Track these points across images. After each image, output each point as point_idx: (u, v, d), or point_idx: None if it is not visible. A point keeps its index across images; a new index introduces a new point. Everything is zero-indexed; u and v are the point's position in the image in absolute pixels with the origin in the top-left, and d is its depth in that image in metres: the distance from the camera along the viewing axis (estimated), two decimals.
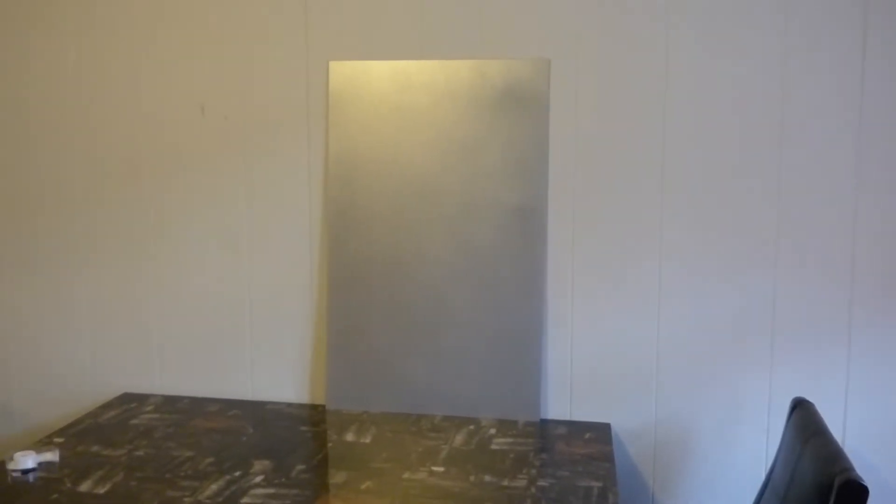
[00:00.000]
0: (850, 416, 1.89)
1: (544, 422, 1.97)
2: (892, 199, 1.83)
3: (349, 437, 1.87)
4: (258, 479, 1.62)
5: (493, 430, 1.89)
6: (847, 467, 1.27)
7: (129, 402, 2.12)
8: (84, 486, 1.59)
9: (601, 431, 1.91)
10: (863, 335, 1.87)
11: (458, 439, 1.84)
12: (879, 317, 1.86)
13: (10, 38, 2.19)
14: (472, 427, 1.92)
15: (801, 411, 1.57)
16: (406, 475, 1.65)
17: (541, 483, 1.61)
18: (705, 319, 1.93)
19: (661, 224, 1.93)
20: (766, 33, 1.84)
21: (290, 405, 2.10)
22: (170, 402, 2.12)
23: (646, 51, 1.90)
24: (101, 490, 1.57)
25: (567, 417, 2.01)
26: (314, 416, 2.03)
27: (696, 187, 1.91)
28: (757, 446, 1.94)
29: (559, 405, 2.01)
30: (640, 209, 1.94)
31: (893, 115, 1.81)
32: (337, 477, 1.64)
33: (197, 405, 2.10)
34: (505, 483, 1.60)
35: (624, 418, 1.98)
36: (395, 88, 2.00)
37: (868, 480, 1.25)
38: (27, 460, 1.67)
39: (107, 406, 2.09)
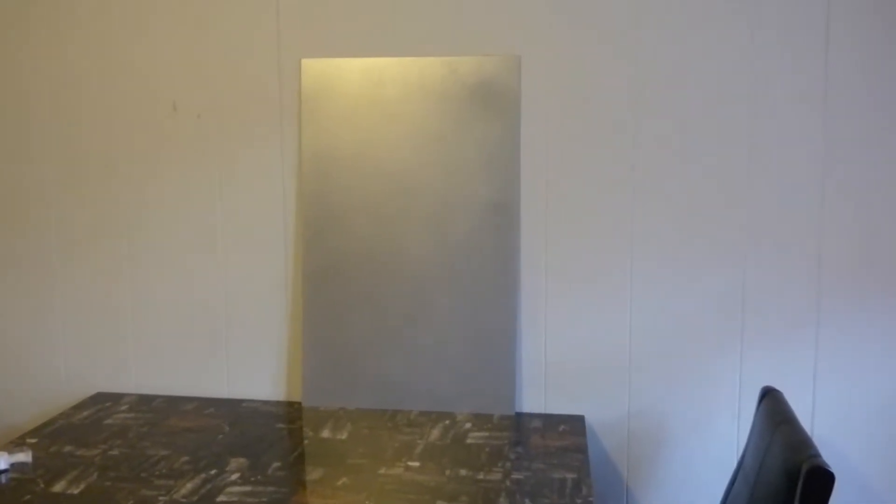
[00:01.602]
0: (819, 404, 1.92)
1: (519, 415, 1.99)
2: (857, 191, 1.87)
3: (325, 433, 1.87)
4: (234, 476, 1.62)
5: (468, 425, 1.91)
6: (813, 454, 1.29)
7: (103, 401, 2.11)
8: (58, 487, 1.58)
9: (575, 424, 1.93)
10: (830, 324, 1.91)
11: (434, 434, 1.85)
12: (846, 306, 1.89)
13: None
14: (447, 422, 1.93)
15: (770, 400, 1.60)
16: (382, 470, 1.65)
17: (515, 476, 1.62)
18: (676, 312, 1.96)
19: (632, 218, 1.95)
20: (736, 28, 1.87)
21: (266, 403, 2.10)
22: (144, 402, 2.11)
23: (616, 46, 1.91)
24: (75, 490, 1.56)
25: (542, 410, 2.03)
26: (290, 413, 2.03)
27: (666, 181, 1.93)
28: (728, 435, 1.97)
29: (534, 398, 2.03)
30: (611, 204, 1.96)
31: (857, 111, 1.85)
32: (313, 473, 1.65)
33: (172, 404, 2.09)
34: (480, 476, 1.62)
35: (598, 410, 2.01)
36: (367, 85, 2.00)
37: (836, 467, 1.28)
38: None
39: (80, 406, 2.07)
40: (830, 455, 1.87)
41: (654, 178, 1.94)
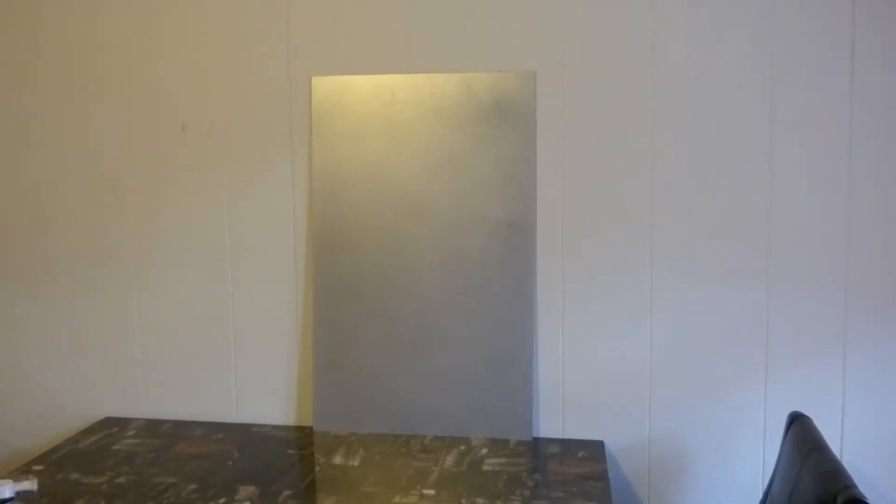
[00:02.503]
0: (847, 430, 1.86)
1: (536, 440, 1.93)
2: (885, 211, 1.81)
3: (337, 459, 1.82)
4: None
5: (484, 450, 1.85)
6: (849, 484, 1.24)
7: (111, 426, 2.07)
8: None
9: (595, 449, 1.87)
10: (858, 347, 1.84)
11: (449, 460, 1.80)
12: (875, 328, 1.83)
13: None
14: (462, 447, 1.88)
15: (799, 426, 1.54)
16: (396, 499, 1.60)
17: None
18: (698, 333, 1.90)
19: (651, 237, 1.90)
20: (755, 44, 1.83)
21: (276, 427, 2.06)
22: (152, 427, 2.06)
23: (633, 61, 1.88)
24: None
25: (560, 436, 1.97)
26: (301, 438, 1.98)
27: (686, 199, 1.89)
28: (754, 462, 1.90)
29: (551, 423, 1.97)
30: (630, 222, 1.91)
31: (884, 126, 1.80)
32: (325, 502, 1.60)
33: (180, 429, 2.04)
34: None
35: (617, 435, 1.95)
36: (379, 103, 1.97)
37: (867, 495, 1.22)
38: (4, 490, 1.61)
39: (87, 431, 2.03)
40: (860, 483, 1.81)
41: (674, 195, 1.89)
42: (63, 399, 2.20)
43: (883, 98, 1.79)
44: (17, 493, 1.63)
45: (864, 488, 1.76)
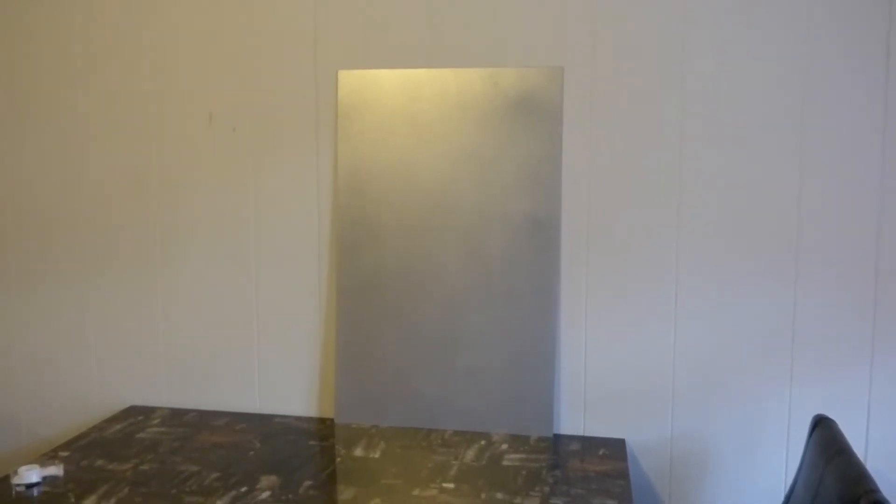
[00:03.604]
0: (873, 435, 1.84)
1: (557, 437, 1.93)
2: None
3: (358, 451, 1.83)
4: (265, 494, 1.59)
5: (504, 446, 1.86)
6: (873, 488, 1.22)
7: (136, 415, 2.10)
8: (88, 502, 1.56)
9: (616, 447, 1.87)
10: (886, 352, 1.82)
11: (470, 455, 1.80)
12: None
13: (14, 45, 2.18)
14: (483, 442, 1.88)
15: (823, 429, 1.52)
16: (416, 492, 1.61)
17: (554, 501, 1.56)
18: (723, 335, 1.89)
19: (677, 237, 1.89)
20: (787, 42, 1.81)
21: (298, 419, 2.07)
22: (176, 416, 2.09)
23: (662, 58, 1.86)
24: None
25: (581, 433, 1.97)
26: (323, 430, 1.99)
27: (714, 199, 1.87)
28: (776, 464, 1.89)
29: (572, 420, 1.97)
30: (656, 221, 1.90)
31: None
32: (345, 493, 1.61)
33: (204, 419, 2.07)
34: (517, 501, 1.56)
35: (639, 434, 1.94)
36: (405, 97, 1.97)
37: (891, 500, 1.21)
38: (31, 474, 1.64)
39: (113, 419, 2.06)
40: (885, 488, 1.79)
41: (701, 196, 1.87)
42: (89, 388, 2.24)
43: None
44: (44, 478, 1.66)
45: (888, 493, 1.74)
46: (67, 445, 1.86)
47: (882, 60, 1.77)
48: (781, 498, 1.66)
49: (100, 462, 1.76)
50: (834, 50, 1.79)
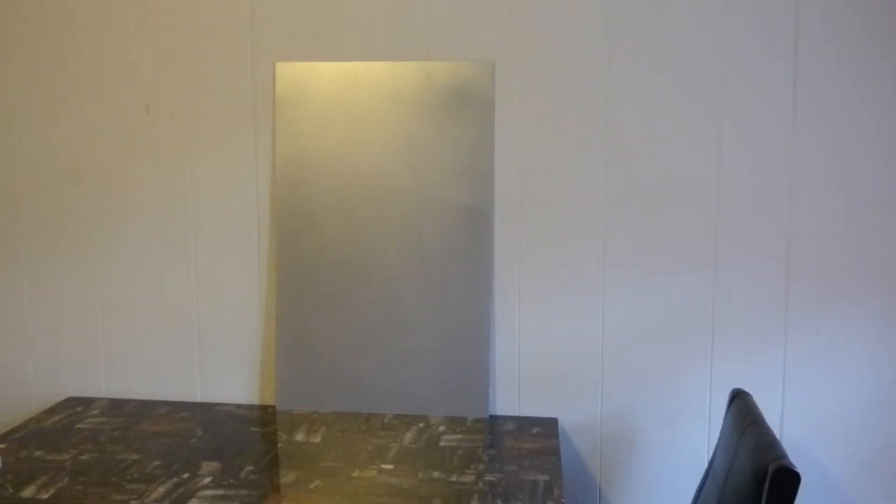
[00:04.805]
0: (787, 407, 1.95)
1: (493, 418, 2.00)
2: (824, 201, 1.90)
3: (299, 437, 1.87)
4: (206, 480, 1.62)
5: (442, 428, 1.91)
6: (780, 455, 1.31)
7: (74, 406, 2.09)
8: (27, 492, 1.56)
9: (548, 426, 1.94)
10: (798, 329, 1.94)
11: (408, 437, 1.86)
12: (814, 311, 1.93)
13: None
14: (421, 425, 1.93)
15: (739, 402, 1.62)
16: (356, 473, 1.66)
17: (488, 478, 1.63)
18: (648, 316, 1.98)
19: (605, 223, 1.97)
20: (707, 35, 1.90)
21: (239, 406, 2.10)
22: (116, 406, 2.09)
23: (588, 52, 1.94)
24: (45, 495, 1.55)
25: (515, 413, 2.04)
26: (264, 416, 2.02)
27: (638, 186, 1.95)
28: (699, 437, 1.99)
29: (507, 401, 2.04)
30: (584, 209, 1.98)
31: (823, 123, 1.88)
32: (286, 477, 1.65)
33: (145, 408, 2.08)
34: (453, 479, 1.63)
35: (571, 413, 2.02)
36: (342, 89, 2.01)
37: (804, 469, 1.30)
38: None
39: (51, 411, 2.05)
40: (799, 457, 1.91)
41: (626, 184, 1.96)
42: (26, 379, 2.22)
43: (826, 79, 1.87)
44: None
45: (802, 463, 1.85)
46: (4, 437, 1.85)
47: (791, 47, 1.87)
48: (704, 468, 1.75)
49: (38, 453, 1.76)
50: (749, 39, 1.88)
